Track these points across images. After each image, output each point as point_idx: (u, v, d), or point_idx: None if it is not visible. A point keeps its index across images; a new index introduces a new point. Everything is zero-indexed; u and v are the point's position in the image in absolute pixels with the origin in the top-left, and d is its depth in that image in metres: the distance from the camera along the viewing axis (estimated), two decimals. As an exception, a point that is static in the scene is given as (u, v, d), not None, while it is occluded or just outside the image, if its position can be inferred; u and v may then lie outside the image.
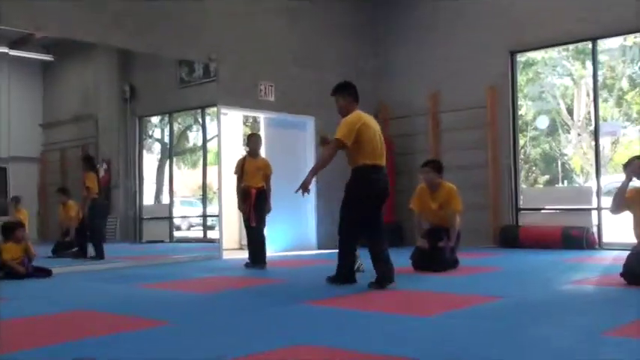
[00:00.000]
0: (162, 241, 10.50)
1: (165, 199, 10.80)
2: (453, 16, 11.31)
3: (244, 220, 8.04)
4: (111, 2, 8.52)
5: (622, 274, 5.49)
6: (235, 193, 8.10)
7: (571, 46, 14.05)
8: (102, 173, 9.38)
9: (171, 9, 9.20)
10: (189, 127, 11.90)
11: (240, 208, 8.02)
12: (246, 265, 7.84)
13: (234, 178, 8.09)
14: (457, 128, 10.80)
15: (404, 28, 11.89)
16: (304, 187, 5.63)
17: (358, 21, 12.04)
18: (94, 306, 4.96)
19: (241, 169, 7.94)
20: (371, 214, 5.71)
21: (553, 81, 18.18)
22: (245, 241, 11.59)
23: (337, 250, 5.81)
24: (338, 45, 11.59)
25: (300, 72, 10.77)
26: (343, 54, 11.63)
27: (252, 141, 8.21)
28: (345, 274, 5.78)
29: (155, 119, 11.03)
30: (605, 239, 9.84)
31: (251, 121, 19.43)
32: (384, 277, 5.59)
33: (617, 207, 5.72)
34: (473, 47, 11.04)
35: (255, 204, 7.77)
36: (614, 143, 20.05)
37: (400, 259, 7.71)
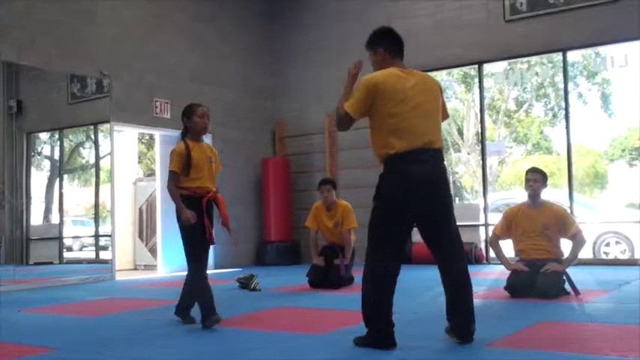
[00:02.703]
0: (51, 263, 10.05)
1: (55, 218, 10.36)
2: (345, 37, 11.51)
3: (195, 240, 4.67)
4: (-4, 13, 8.16)
5: (506, 288, 5.81)
6: (176, 200, 4.73)
7: (459, 70, 14.75)
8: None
9: (61, 22, 8.91)
10: (81, 144, 11.49)
11: (184, 221, 4.59)
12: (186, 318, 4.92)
13: (168, 177, 4.91)
14: (353, 147, 11.00)
15: (301, 48, 12.06)
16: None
17: (257, 39, 12.09)
18: (-27, 333, 4.68)
19: (187, 162, 4.77)
20: (430, 230, 3.81)
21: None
22: (142, 261, 11.34)
23: (361, 299, 3.89)
24: (237, 62, 11.59)
25: (198, 89, 10.67)
26: (242, 72, 11.63)
27: (197, 113, 4.81)
28: (379, 330, 3.70)
29: (44, 135, 10.58)
30: (492, 254, 10.29)
31: (147, 138, 19.08)
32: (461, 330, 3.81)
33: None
34: (366, 67, 11.30)
35: (210, 217, 4.84)
36: (501, 162, 21.10)
37: (297, 276, 7.79)
